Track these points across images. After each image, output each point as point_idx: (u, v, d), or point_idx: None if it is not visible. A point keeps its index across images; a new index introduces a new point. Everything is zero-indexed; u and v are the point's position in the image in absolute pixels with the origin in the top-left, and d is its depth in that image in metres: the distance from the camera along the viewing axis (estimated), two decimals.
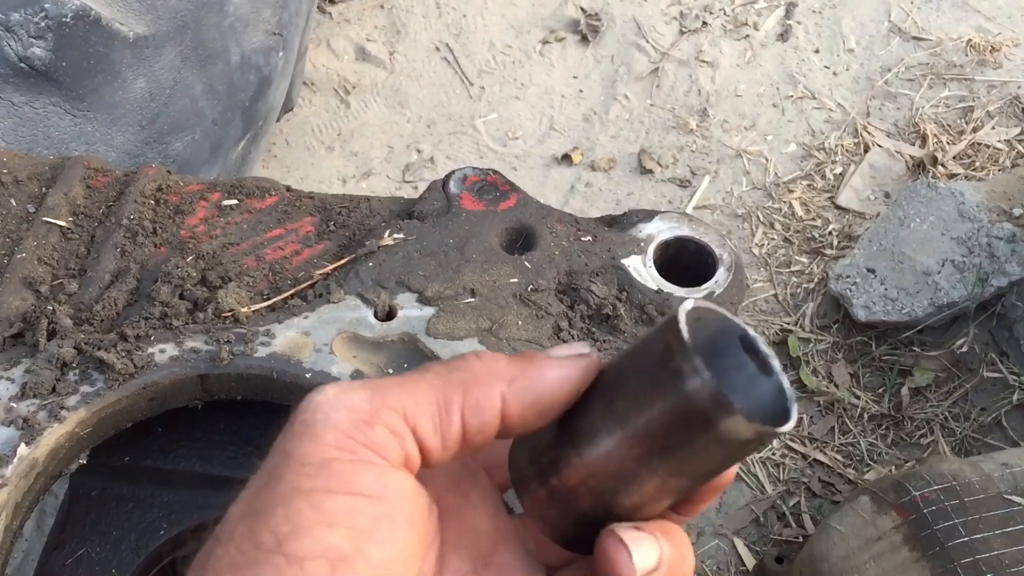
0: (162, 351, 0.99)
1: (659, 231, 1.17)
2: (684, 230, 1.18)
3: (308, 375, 0.99)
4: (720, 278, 1.14)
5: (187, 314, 1.03)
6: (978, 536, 1.31)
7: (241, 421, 1.16)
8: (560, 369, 0.49)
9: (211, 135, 1.77)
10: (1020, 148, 2.71)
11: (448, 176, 1.22)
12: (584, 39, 3.14)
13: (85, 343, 0.98)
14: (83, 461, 0.98)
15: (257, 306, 1.06)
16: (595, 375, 0.49)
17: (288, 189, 1.22)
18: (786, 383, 0.46)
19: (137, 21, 1.50)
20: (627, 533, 0.47)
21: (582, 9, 3.19)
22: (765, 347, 0.46)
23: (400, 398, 0.47)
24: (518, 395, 0.48)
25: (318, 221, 1.18)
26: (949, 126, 2.81)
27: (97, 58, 1.43)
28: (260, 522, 0.43)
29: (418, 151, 2.90)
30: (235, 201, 1.19)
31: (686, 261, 1.18)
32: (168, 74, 1.59)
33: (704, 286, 1.14)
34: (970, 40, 3.01)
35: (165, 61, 1.58)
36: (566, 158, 2.85)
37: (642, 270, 1.14)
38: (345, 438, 0.45)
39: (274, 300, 1.07)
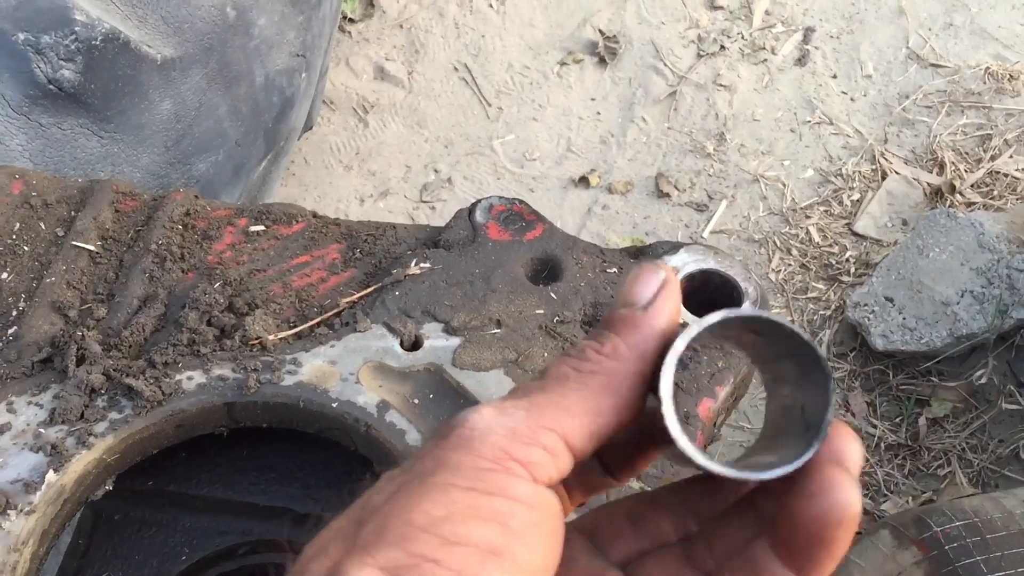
0: (190, 378, 1.00)
1: (684, 263, 1.17)
2: (710, 263, 1.17)
3: (334, 404, 0.99)
4: (746, 312, 1.14)
5: (214, 341, 1.04)
6: (999, 574, 1.30)
7: (265, 447, 1.16)
8: (662, 315, 0.50)
9: (234, 156, 1.78)
10: None
11: (474, 205, 1.22)
12: (602, 61, 3.15)
13: (114, 369, 0.98)
14: (109, 487, 0.98)
15: (284, 334, 1.06)
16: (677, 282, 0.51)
17: (315, 215, 1.23)
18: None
19: (165, 44, 1.51)
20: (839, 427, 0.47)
21: (600, 31, 3.20)
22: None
23: (556, 417, 0.47)
24: (651, 365, 0.49)
25: (344, 248, 1.18)
26: (967, 154, 2.80)
27: (125, 80, 1.44)
28: (412, 503, 0.43)
29: (435, 171, 2.91)
30: (262, 227, 1.19)
31: (711, 294, 1.18)
32: (194, 96, 1.60)
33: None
34: (988, 68, 3.01)
35: (191, 83, 1.59)
36: (583, 180, 2.85)
37: None
38: (502, 454, 0.45)
39: (300, 328, 1.07)
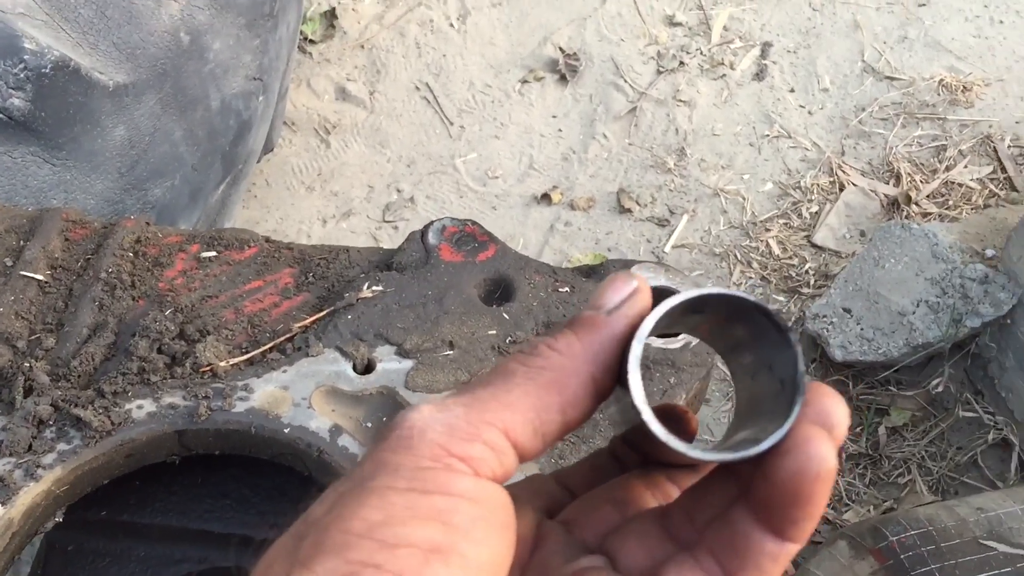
0: (139, 407, 0.99)
1: None
2: (661, 280, 1.19)
3: (286, 429, 0.99)
4: None
5: (165, 369, 1.03)
6: None
7: (219, 474, 1.16)
8: (624, 321, 0.49)
9: (191, 180, 1.77)
10: (992, 187, 2.75)
11: (427, 227, 1.23)
12: (563, 79, 3.17)
13: (62, 400, 0.98)
14: (59, 519, 0.97)
15: (235, 360, 1.06)
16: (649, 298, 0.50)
17: (267, 240, 1.23)
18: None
19: (117, 70, 1.51)
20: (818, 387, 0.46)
21: (561, 49, 3.23)
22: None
23: (498, 412, 0.46)
24: (605, 369, 0.48)
25: (297, 273, 1.18)
26: (922, 165, 2.85)
27: (76, 107, 1.44)
28: (350, 511, 0.42)
29: (398, 191, 2.91)
30: (214, 253, 1.19)
31: None
32: (148, 121, 1.60)
33: (680, 336, 1.15)
34: (942, 80, 3.06)
35: (145, 108, 1.58)
36: (545, 197, 2.87)
37: None
38: (441, 451, 0.44)
39: (252, 354, 1.07)
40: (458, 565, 0.41)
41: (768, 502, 0.45)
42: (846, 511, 2.14)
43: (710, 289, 0.49)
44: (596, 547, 0.51)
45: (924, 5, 3.29)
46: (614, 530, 0.52)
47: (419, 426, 0.45)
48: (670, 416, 0.56)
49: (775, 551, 0.46)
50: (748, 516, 0.46)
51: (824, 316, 2.34)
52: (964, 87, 3.03)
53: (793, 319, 2.52)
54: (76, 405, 0.97)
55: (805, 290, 2.59)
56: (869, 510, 2.13)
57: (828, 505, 2.16)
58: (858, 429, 2.29)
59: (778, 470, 0.44)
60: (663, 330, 0.52)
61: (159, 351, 1.05)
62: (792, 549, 0.46)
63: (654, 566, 0.49)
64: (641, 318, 0.49)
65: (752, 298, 0.48)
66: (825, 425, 0.45)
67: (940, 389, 2.23)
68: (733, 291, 0.49)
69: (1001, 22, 3.23)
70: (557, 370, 0.48)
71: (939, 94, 3.04)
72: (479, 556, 0.42)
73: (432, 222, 1.23)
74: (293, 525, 0.44)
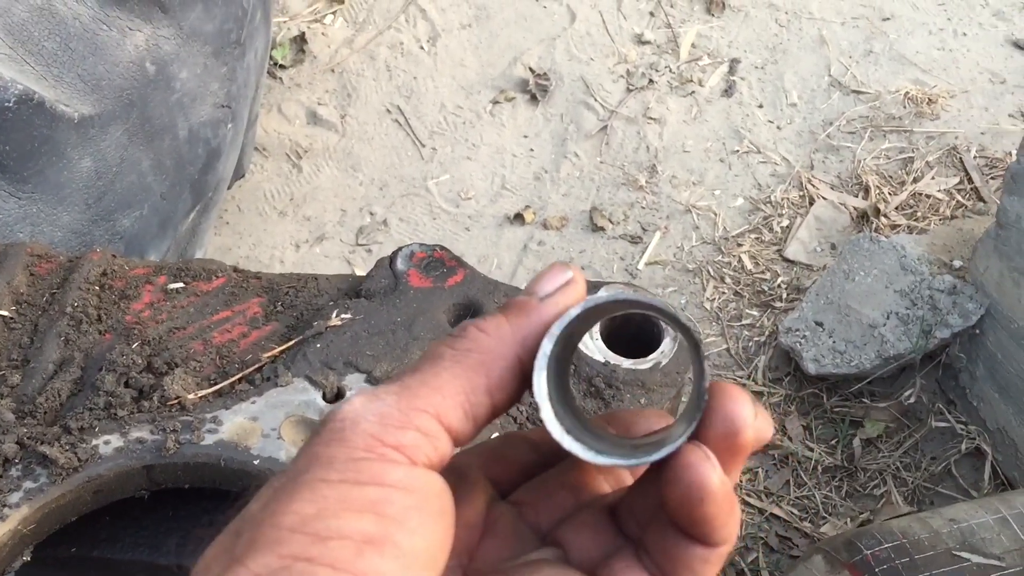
0: (107, 442, 0.99)
1: None
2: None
3: (256, 461, 0.99)
4: (666, 348, 1.16)
5: (132, 403, 1.03)
6: None
7: (191, 507, 1.15)
8: (555, 308, 0.50)
9: (160, 210, 1.77)
10: (959, 198, 2.78)
11: (395, 253, 1.23)
12: (533, 99, 3.18)
13: (28, 437, 0.97)
14: (27, 558, 0.96)
15: (204, 392, 1.05)
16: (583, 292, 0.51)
17: (235, 270, 1.22)
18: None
19: (82, 102, 1.50)
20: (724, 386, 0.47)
21: (531, 69, 3.24)
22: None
23: (429, 397, 0.46)
24: (532, 354, 0.49)
25: (265, 302, 1.18)
26: (890, 177, 2.88)
27: (41, 140, 1.43)
28: (283, 506, 0.42)
29: (371, 214, 2.91)
30: (181, 284, 1.19)
31: (633, 331, 1.19)
32: (115, 152, 1.60)
33: (650, 357, 1.15)
34: (907, 92, 3.10)
35: (111, 139, 1.58)
36: (518, 217, 2.87)
37: (589, 342, 1.15)
38: (374, 441, 0.44)
39: (221, 385, 1.06)
40: (392, 555, 0.41)
41: (673, 515, 0.46)
42: (823, 524, 2.14)
43: (628, 295, 0.51)
44: (548, 533, 0.52)
45: (888, 19, 3.33)
46: (567, 517, 0.52)
47: (351, 418, 0.45)
48: (611, 419, 0.56)
49: (704, 555, 0.47)
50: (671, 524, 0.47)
51: (797, 330, 2.35)
52: (929, 99, 3.07)
53: (767, 333, 2.54)
54: (42, 442, 0.96)
55: (778, 304, 2.60)
56: (846, 522, 2.14)
57: (805, 519, 2.17)
58: (833, 441, 2.30)
59: (669, 492, 0.45)
60: (590, 328, 0.53)
61: (126, 385, 1.04)
62: (722, 551, 0.47)
63: (604, 558, 0.50)
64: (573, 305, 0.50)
65: (669, 308, 0.49)
66: (730, 432, 0.46)
67: (913, 400, 2.25)
68: (650, 299, 0.50)
69: (964, 34, 3.28)
70: (484, 352, 0.48)
71: (905, 107, 3.08)
72: (414, 545, 0.42)
73: (400, 248, 1.23)
74: (231, 522, 0.44)
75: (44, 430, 0.98)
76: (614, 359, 1.14)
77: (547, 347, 0.49)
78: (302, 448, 0.46)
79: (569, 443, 0.48)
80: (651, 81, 3.22)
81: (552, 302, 0.50)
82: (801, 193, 2.88)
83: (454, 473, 0.51)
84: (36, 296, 1.15)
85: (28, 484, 0.94)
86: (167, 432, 1.00)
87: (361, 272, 2.70)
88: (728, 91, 3.19)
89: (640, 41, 3.33)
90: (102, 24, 1.51)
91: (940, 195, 2.80)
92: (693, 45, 3.31)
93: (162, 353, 1.09)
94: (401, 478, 0.43)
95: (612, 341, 1.17)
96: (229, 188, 2.50)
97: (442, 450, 0.46)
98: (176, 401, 1.03)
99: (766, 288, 2.65)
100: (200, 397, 1.04)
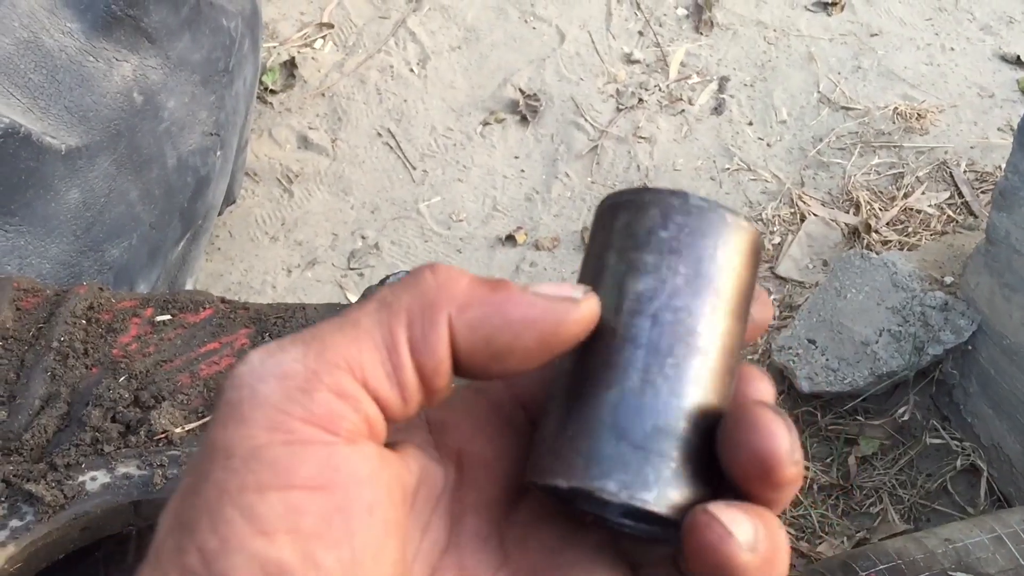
0: (93, 479, 0.98)
1: None
2: None
3: None
4: None
5: (119, 438, 1.02)
6: None
7: None
8: (529, 309, 0.39)
9: (149, 239, 1.77)
10: (950, 213, 2.79)
11: (383, 280, 1.23)
12: (524, 119, 3.19)
13: (14, 475, 0.96)
14: None
15: (191, 425, 1.05)
16: (588, 329, 0.41)
17: (223, 300, 1.22)
18: None
19: (69, 133, 1.50)
20: (720, 509, 0.38)
21: (521, 90, 3.25)
22: None
23: (341, 348, 0.37)
24: (467, 326, 0.38)
25: (253, 333, 1.18)
26: (881, 193, 2.88)
27: (28, 173, 1.43)
28: (186, 538, 0.34)
29: (363, 237, 2.91)
30: (168, 316, 1.18)
31: None
32: (103, 183, 1.60)
33: None
34: (897, 108, 3.11)
35: (99, 170, 1.58)
36: (510, 238, 2.88)
37: None
38: (278, 415, 0.35)
39: (208, 418, 1.06)
40: None
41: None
42: (820, 543, 2.14)
43: None
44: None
45: (876, 35, 3.35)
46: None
47: (248, 382, 0.36)
48: None
49: None
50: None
51: (790, 348, 2.35)
52: (918, 115, 3.08)
53: (760, 352, 2.54)
54: (28, 480, 0.96)
55: (771, 322, 2.60)
56: (843, 541, 2.13)
57: (802, 538, 2.16)
58: (828, 460, 2.29)
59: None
60: None
61: (113, 420, 1.04)
62: None
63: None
64: (551, 333, 0.46)
65: None
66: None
67: (907, 417, 2.24)
68: None
69: (952, 49, 3.30)
70: (416, 296, 0.39)
71: (894, 122, 3.09)
72: (340, 558, 0.35)
73: (388, 276, 1.23)
74: (145, 563, 0.37)
75: (30, 467, 0.97)
76: None
77: None
78: (206, 431, 0.39)
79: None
80: (641, 100, 3.23)
81: (528, 302, 0.39)
82: (792, 210, 2.88)
83: (490, 422, 0.44)
84: (22, 331, 1.14)
85: (14, 522, 0.94)
86: (154, 467, 0.99)
87: (353, 297, 2.70)
88: (718, 109, 3.20)
89: (629, 60, 3.34)
90: (89, 56, 1.51)
91: (931, 210, 2.80)
92: (682, 64, 3.32)
93: (149, 387, 1.08)
94: (313, 473, 0.35)
95: None
96: (220, 214, 2.50)
97: (372, 417, 0.37)
98: (163, 435, 1.02)
99: None
100: (188, 431, 1.04)
